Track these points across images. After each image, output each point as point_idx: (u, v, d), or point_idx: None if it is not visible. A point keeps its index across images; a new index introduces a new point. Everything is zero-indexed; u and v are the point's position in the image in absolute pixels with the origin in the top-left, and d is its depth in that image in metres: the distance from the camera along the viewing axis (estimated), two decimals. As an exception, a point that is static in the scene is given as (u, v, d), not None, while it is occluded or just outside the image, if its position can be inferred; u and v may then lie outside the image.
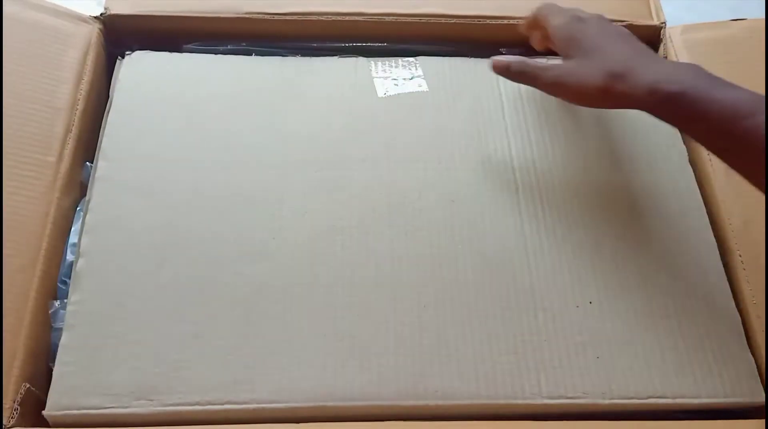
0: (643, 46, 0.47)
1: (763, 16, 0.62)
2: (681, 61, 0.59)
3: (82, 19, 0.58)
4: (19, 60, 0.53)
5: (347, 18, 0.60)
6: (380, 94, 0.57)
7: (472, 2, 0.61)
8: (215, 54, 0.59)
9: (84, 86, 0.55)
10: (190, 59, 0.59)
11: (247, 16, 0.60)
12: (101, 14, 0.59)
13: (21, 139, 0.50)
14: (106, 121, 0.54)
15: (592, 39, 0.47)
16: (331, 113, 0.56)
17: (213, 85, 0.57)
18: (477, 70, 0.59)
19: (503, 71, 0.51)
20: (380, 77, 0.58)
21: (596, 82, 0.45)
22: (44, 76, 0.53)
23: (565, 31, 0.48)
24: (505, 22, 0.61)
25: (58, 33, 0.56)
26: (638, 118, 0.57)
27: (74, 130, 0.52)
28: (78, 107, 0.53)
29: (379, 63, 0.59)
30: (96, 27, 0.58)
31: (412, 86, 0.58)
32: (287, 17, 0.60)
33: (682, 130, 0.43)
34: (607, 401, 0.44)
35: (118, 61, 0.58)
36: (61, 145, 0.51)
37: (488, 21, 0.61)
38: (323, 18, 0.60)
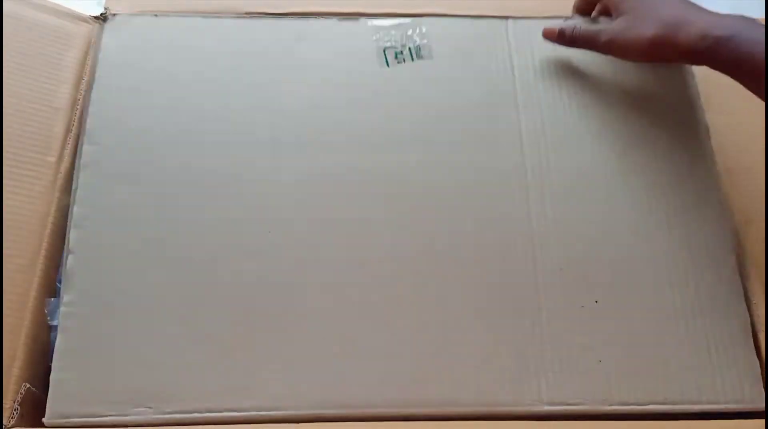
0: (694, 3, 0.49)
1: (763, 16, 0.62)
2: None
3: (82, 19, 0.58)
4: (20, 59, 0.53)
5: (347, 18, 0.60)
6: (383, 63, 0.54)
7: (472, 2, 0.61)
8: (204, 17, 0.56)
9: (84, 86, 0.54)
10: (179, 23, 0.54)
11: (247, 16, 0.59)
12: (101, 14, 0.59)
13: (21, 139, 0.50)
14: (88, 99, 0.52)
15: None
16: (329, 85, 0.52)
17: (203, 54, 0.53)
18: (487, 36, 0.56)
19: (556, 38, 0.53)
20: (384, 44, 0.54)
21: (649, 34, 0.47)
22: (44, 76, 0.53)
23: None
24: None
25: (59, 33, 0.56)
26: (658, 98, 0.54)
27: (74, 130, 0.52)
28: (78, 107, 0.53)
29: (383, 27, 0.55)
30: (96, 27, 0.58)
31: (418, 54, 0.54)
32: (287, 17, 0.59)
33: (731, 76, 0.46)
34: (607, 407, 0.44)
35: (98, 26, 0.55)
36: (61, 145, 0.51)
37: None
38: (323, 18, 0.60)
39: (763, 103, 0.55)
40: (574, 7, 0.55)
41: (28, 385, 0.43)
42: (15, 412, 0.42)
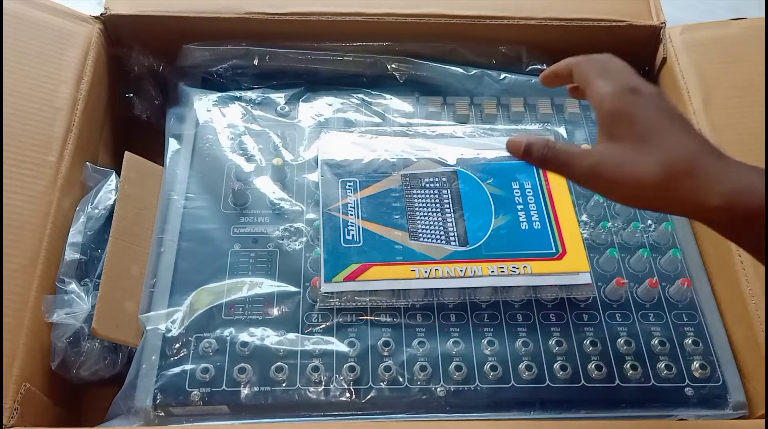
0: (706, 139, 0.36)
1: (763, 15, 0.62)
2: (681, 60, 0.59)
3: (82, 18, 0.58)
4: (20, 59, 0.53)
5: (347, 18, 0.60)
6: None
7: (472, 2, 0.61)
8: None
9: (84, 86, 0.55)
10: None
11: (247, 16, 0.60)
12: (101, 14, 0.59)
13: (21, 139, 0.50)
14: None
15: (649, 120, 0.36)
16: None
17: None
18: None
19: (522, 155, 0.40)
20: None
21: (652, 177, 0.35)
22: (45, 76, 0.53)
23: (613, 103, 0.37)
24: (505, 22, 0.61)
25: (59, 32, 0.56)
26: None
27: (74, 129, 0.52)
28: (78, 107, 0.53)
29: None
30: (96, 27, 0.58)
31: None
32: (287, 17, 0.60)
33: (756, 250, 0.36)
34: None
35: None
36: (62, 145, 0.51)
37: (488, 21, 0.61)
38: (323, 18, 0.60)
39: (763, 104, 0.55)
40: (541, 76, 0.44)
41: (28, 385, 0.43)
42: (15, 412, 0.42)
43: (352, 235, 0.51)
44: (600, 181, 0.37)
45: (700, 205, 0.34)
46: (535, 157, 0.40)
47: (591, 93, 0.39)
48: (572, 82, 0.41)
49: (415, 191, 0.54)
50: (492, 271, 0.49)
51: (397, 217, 0.52)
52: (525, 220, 0.52)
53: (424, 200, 0.53)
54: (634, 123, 0.36)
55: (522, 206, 0.53)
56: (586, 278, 0.50)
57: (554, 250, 0.51)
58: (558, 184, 0.54)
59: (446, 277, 0.49)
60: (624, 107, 0.37)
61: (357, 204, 0.53)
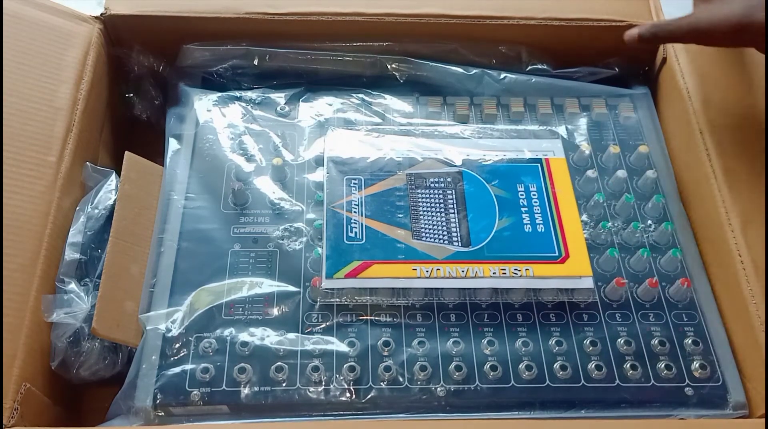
0: None
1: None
2: (681, 60, 0.59)
3: (82, 18, 0.58)
4: (20, 59, 0.53)
5: (347, 18, 0.60)
6: None
7: (472, 2, 0.61)
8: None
9: (84, 86, 0.55)
10: None
11: (247, 16, 0.60)
12: (101, 14, 0.59)
13: (21, 139, 0.50)
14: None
15: None
16: None
17: None
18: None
19: (636, 41, 0.52)
20: None
21: (734, 17, 0.47)
22: (45, 76, 0.53)
23: None
24: (505, 22, 0.61)
25: (59, 32, 0.56)
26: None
27: (74, 129, 0.52)
28: (78, 107, 0.53)
29: None
30: (96, 27, 0.58)
31: None
32: (287, 17, 0.60)
33: None
34: None
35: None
36: (62, 145, 0.51)
37: (488, 21, 0.61)
38: (323, 18, 0.60)
39: (763, 103, 0.55)
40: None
41: (28, 385, 0.43)
42: (15, 412, 0.42)
43: (355, 233, 0.51)
44: (696, 33, 0.49)
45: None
46: (647, 37, 0.51)
47: None
48: None
49: (419, 191, 0.54)
50: (494, 273, 0.49)
51: (400, 215, 0.52)
52: (529, 222, 0.52)
53: (428, 200, 0.53)
54: None
55: (526, 209, 0.53)
56: (588, 283, 0.50)
57: (557, 254, 0.51)
58: (563, 187, 0.54)
59: (447, 277, 0.49)
60: None
61: (361, 202, 0.53)
